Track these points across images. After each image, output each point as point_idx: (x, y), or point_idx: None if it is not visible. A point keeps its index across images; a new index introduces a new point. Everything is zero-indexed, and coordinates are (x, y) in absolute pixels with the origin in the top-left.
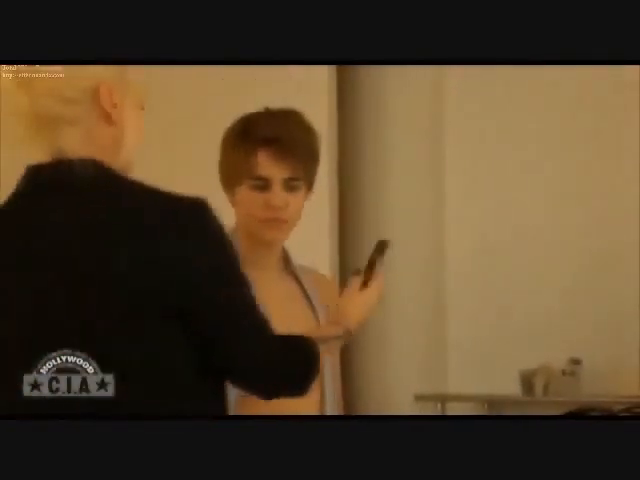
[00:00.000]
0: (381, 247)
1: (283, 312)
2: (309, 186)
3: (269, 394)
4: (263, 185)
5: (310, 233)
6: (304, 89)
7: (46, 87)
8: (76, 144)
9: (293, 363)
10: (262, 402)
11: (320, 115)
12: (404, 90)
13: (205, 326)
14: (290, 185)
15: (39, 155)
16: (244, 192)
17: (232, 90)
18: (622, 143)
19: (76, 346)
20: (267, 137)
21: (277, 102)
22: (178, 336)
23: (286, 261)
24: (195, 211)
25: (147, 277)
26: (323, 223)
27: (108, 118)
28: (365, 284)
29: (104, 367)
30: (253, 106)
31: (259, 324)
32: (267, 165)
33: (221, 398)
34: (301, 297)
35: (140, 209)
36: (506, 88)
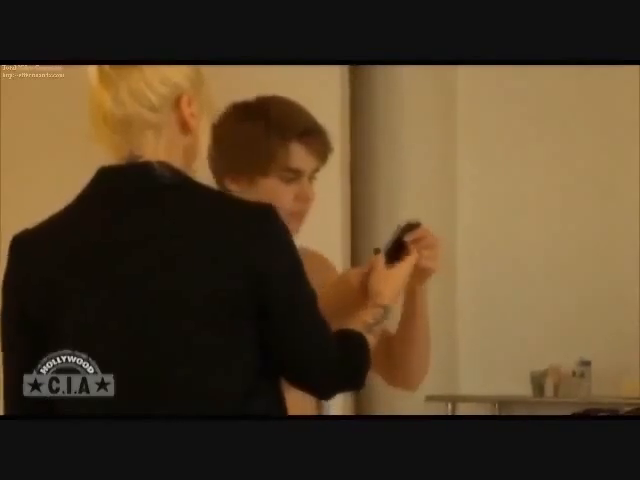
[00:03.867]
0: (412, 228)
1: None
2: None
3: (328, 393)
4: (293, 177)
5: (322, 229)
6: (317, 88)
7: (130, 90)
8: (153, 149)
9: (350, 362)
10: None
11: (333, 114)
12: (416, 90)
13: (276, 326)
14: (313, 176)
15: (108, 156)
16: (271, 184)
17: (243, 91)
18: (622, 145)
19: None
20: (302, 129)
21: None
22: (249, 335)
23: None
24: (269, 215)
25: (225, 277)
26: (335, 219)
27: (186, 127)
28: (391, 261)
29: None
30: None
31: (323, 324)
32: (301, 157)
33: (282, 397)
34: None
35: (216, 213)
36: (517, 88)
